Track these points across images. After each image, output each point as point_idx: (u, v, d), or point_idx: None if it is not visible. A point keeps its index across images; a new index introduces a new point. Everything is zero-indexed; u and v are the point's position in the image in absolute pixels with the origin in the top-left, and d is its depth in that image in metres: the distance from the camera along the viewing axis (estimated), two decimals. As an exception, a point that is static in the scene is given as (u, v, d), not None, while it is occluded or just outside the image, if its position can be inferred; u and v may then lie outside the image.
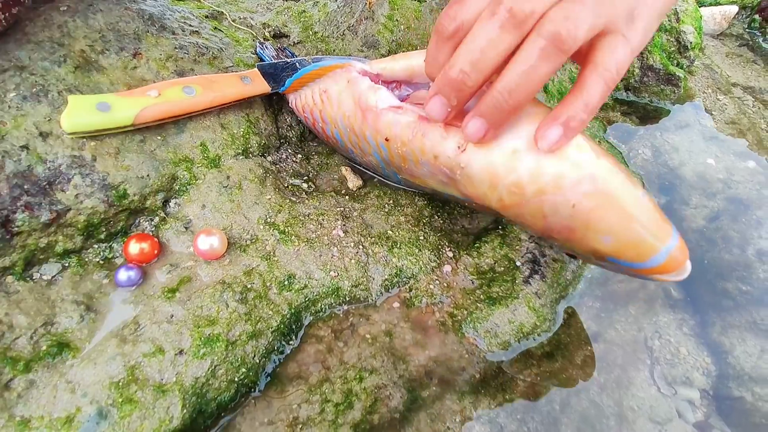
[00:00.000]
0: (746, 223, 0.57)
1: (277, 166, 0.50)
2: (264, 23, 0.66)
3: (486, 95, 0.29)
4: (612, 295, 0.51)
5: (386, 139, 0.38)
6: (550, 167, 0.29)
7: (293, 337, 0.38)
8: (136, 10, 0.49)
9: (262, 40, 0.61)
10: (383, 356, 0.38)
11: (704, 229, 0.58)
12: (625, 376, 0.48)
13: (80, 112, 0.37)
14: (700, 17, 0.80)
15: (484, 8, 0.28)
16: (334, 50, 0.65)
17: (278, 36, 0.66)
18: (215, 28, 0.59)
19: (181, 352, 0.33)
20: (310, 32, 0.66)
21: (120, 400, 0.31)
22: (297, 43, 0.66)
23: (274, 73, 0.50)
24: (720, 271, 0.54)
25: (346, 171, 0.52)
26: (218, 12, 0.65)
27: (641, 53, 0.64)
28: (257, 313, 0.37)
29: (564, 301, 0.43)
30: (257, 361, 0.35)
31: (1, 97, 0.37)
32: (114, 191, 0.39)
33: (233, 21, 0.64)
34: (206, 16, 0.62)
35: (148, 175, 0.41)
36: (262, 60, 0.58)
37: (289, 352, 0.38)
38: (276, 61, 0.52)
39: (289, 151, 0.54)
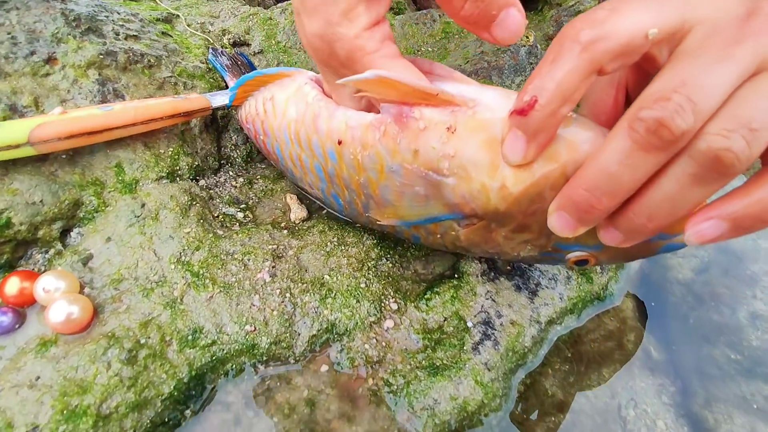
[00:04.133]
0: (739, 278, 0.51)
1: (211, 191, 0.45)
2: (224, 29, 0.61)
3: (623, 212, 0.24)
4: (583, 356, 0.45)
5: (339, 142, 0.32)
6: None
7: (192, 405, 0.32)
8: (59, 9, 0.43)
9: (216, 47, 0.55)
10: (299, 431, 0.32)
11: (691, 282, 0.52)
12: (593, 452, 0.42)
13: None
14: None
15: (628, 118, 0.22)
16: (296, 62, 0.59)
17: (238, 44, 0.61)
18: (163, 32, 0.53)
19: (35, 428, 0.27)
20: (273, 41, 0.60)
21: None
22: (258, 52, 0.60)
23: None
24: (706, 333, 0.48)
25: (291, 199, 0.46)
26: (173, 15, 0.59)
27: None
28: (146, 376, 0.31)
29: (522, 369, 0.37)
30: (138, 438, 0.29)
31: None
32: (-7, 220, 0.33)
33: (188, 26, 0.59)
34: (157, 20, 0.56)
35: (41, 201, 0.35)
36: (214, 69, 0.53)
37: (186, 423, 0.32)
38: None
39: (230, 173, 0.48)
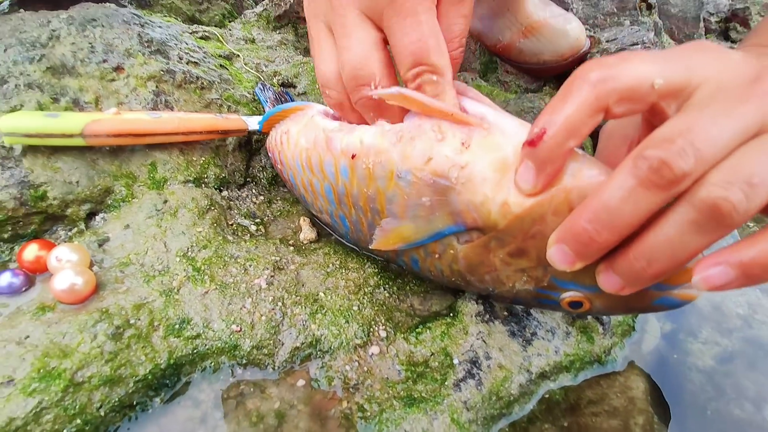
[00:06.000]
0: (766, 373, 0.47)
1: (231, 202, 0.47)
2: (275, 71, 0.67)
3: (623, 255, 0.24)
4: (582, 429, 0.41)
5: (353, 156, 0.34)
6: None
7: (163, 394, 0.32)
8: (137, 32, 0.50)
9: (265, 83, 0.61)
10: (261, 443, 0.31)
11: (712, 372, 0.48)
12: None
13: (24, 116, 0.36)
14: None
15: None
16: (334, 105, 0.64)
17: (286, 85, 0.67)
18: (221, 65, 0.60)
19: (10, 381, 0.28)
20: (317, 86, 0.66)
21: None
22: (302, 93, 0.66)
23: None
24: (725, 428, 0.43)
25: (303, 221, 0.47)
26: (234, 54, 0.67)
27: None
28: (126, 355, 0.31)
29: (504, 420, 0.35)
30: (102, 414, 0.29)
31: (-48, 77, 0.37)
32: (32, 190, 0.36)
33: (245, 64, 0.66)
34: (219, 56, 0.63)
35: (77, 182, 0.39)
36: (259, 100, 0.58)
37: (152, 410, 0.31)
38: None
39: (253, 191, 0.51)
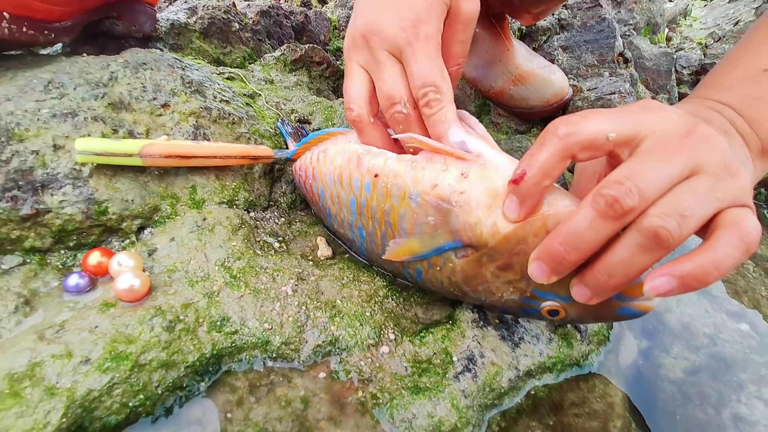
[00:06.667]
0: (727, 383, 0.53)
1: (257, 222, 0.54)
2: (293, 109, 0.75)
3: (589, 270, 0.30)
4: (566, 428, 0.46)
5: (375, 175, 0.41)
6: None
7: (207, 379, 0.37)
8: (180, 74, 0.58)
9: (284, 118, 0.69)
10: (290, 423, 0.36)
11: (681, 382, 0.54)
12: None
13: (93, 139, 0.43)
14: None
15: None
16: (345, 140, 0.72)
17: (301, 121, 0.75)
18: (247, 104, 0.68)
19: (87, 360, 0.33)
20: (330, 123, 0.74)
21: (6, 392, 0.30)
22: (316, 129, 0.73)
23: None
24: (690, 429, 0.49)
25: (320, 241, 0.54)
26: (257, 93, 0.75)
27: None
28: (178, 344, 0.37)
29: (496, 409, 0.40)
30: (159, 392, 0.35)
31: (35, 111, 0.44)
32: (96, 206, 0.43)
33: (266, 102, 0.74)
34: (244, 94, 0.72)
35: (132, 200, 0.45)
36: (280, 133, 0.65)
37: (198, 393, 0.37)
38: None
39: (276, 213, 0.57)
